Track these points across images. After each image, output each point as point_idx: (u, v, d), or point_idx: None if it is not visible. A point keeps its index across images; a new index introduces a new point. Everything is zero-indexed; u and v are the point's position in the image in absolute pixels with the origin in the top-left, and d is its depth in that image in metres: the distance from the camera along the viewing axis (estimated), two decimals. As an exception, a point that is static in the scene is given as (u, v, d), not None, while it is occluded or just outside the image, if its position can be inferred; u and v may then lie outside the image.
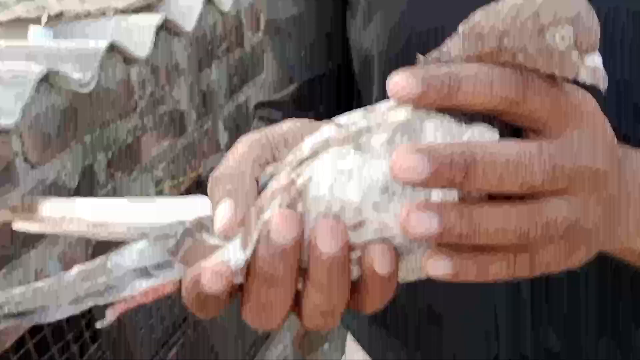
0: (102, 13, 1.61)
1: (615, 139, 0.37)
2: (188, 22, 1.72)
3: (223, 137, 2.03)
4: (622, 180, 0.37)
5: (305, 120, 0.42)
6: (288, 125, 0.41)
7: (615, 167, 0.36)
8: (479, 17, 0.34)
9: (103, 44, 1.40)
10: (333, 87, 0.70)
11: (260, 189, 0.37)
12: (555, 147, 0.33)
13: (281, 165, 0.37)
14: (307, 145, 0.36)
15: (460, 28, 0.35)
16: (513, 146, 0.33)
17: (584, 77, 0.34)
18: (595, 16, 0.34)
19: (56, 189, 1.32)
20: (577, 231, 0.34)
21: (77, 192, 1.38)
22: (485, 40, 0.34)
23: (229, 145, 2.18)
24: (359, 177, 0.33)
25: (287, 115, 0.72)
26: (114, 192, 1.50)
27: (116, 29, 1.56)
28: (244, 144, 0.39)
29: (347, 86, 0.70)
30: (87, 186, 1.41)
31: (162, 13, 1.61)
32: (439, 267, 0.33)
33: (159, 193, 1.66)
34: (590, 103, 0.35)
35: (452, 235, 0.32)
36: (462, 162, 0.31)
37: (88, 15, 1.62)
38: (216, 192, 0.37)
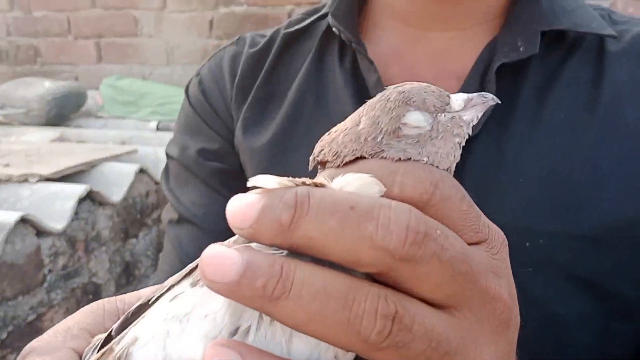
0: (25, 179, 1.56)
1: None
2: (117, 192, 1.68)
3: (145, 308, 1.91)
4: None
5: None
6: (148, 290, 0.34)
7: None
8: (321, 146, 0.30)
9: (13, 217, 1.32)
10: None
11: None
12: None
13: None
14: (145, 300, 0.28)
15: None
16: (365, 197, 0.25)
17: (470, 116, 0.30)
18: (417, 83, 0.31)
19: None
20: None
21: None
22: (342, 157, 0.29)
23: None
24: (198, 321, 0.25)
25: None
26: (4, 377, 1.35)
27: (35, 198, 1.49)
28: (81, 311, 0.33)
29: None
30: (-31, 372, 1.26)
31: (88, 184, 1.56)
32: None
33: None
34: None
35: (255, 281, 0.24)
36: (293, 200, 0.24)
37: (9, 180, 1.56)
38: None
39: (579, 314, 0.53)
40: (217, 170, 0.68)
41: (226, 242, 0.29)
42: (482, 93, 0.30)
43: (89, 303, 1.38)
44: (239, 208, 0.25)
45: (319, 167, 0.31)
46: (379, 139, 0.28)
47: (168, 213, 0.71)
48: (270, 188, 0.25)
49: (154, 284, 0.74)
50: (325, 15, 0.66)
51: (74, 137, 2.32)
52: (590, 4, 0.66)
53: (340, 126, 0.31)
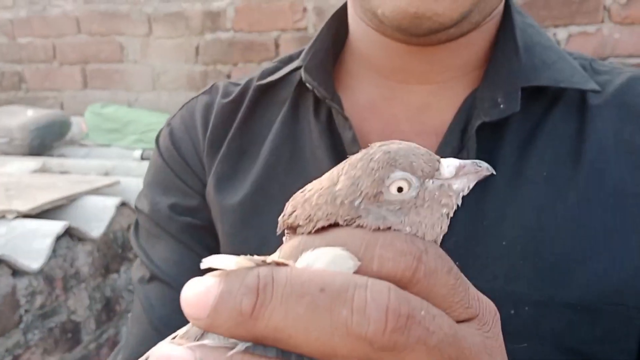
0: (2, 216, 1.52)
1: None
2: (97, 227, 1.64)
3: (127, 344, 1.86)
4: None
5: None
6: None
7: None
8: (292, 207, 0.27)
9: (-13, 258, 1.28)
10: None
11: None
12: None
13: None
14: None
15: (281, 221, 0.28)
16: (338, 276, 0.21)
17: (461, 185, 0.26)
18: (406, 144, 0.27)
19: None
20: None
21: None
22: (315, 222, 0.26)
23: None
24: None
25: None
26: None
27: (11, 235, 1.45)
28: None
29: None
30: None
31: (66, 221, 1.52)
32: None
33: (35, 419, 1.45)
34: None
35: None
36: (255, 285, 0.21)
37: (-14, 217, 1.52)
38: None
39: None
40: (189, 225, 0.65)
41: (180, 332, 0.26)
42: (476, 161, 0.27)
43: (67, 341, 1.34)
44: (194, 296, 0.22)
45: (287, 231, 0.29)
46: (356, 203, 0.25)
47: (138, 271, 0.67)
48: (229, 270, 0.22)
49: (123, 346, 0.70)
50: (299, 67, 0.64)
51: (56, 167, 2.28)
52: (572, 51, 0.65)
53: (315, 184, 0.28)
